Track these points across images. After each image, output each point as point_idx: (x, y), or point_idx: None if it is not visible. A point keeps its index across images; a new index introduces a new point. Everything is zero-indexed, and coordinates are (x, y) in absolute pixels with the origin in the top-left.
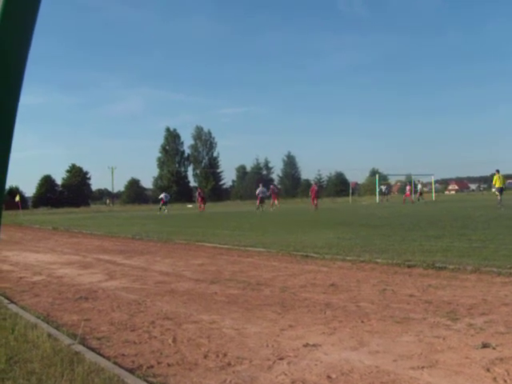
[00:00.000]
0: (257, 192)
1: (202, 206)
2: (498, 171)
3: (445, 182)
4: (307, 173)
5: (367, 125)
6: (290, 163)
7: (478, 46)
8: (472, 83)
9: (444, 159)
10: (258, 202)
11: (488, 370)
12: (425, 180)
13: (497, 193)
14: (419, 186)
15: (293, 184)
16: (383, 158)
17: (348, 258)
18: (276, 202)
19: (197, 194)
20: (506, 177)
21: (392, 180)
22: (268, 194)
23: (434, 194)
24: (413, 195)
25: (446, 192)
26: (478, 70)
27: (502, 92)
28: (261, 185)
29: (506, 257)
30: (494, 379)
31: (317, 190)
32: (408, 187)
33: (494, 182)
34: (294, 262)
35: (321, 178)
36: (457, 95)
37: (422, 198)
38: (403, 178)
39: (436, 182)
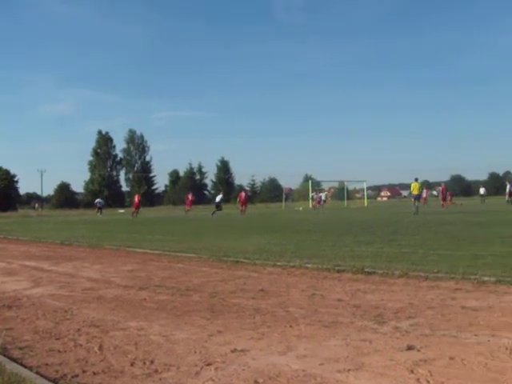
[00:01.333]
0: (217, 200)
1: (186, 208)
2: (416, 179)
3: (377, 189)
4: (241, 178)
5: (299, 129)
6: (224, 168)
7: (411, 52)
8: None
9: (377, 166)
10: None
11: (412, 372)
12: (358, 186)
13: (412, 199)
14: (322, 195)
15: (226, 189)
16: (317, 164)
17: (278, 263)
18: (243, 207)
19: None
20: (431, 185)
21: (325, 186)
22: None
23: (366, 200)
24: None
25: (379, 198)
26: (410, 74)
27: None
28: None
29: (434, 262)
30: (418, 380)
31: (245, 196)
32: (317, 195)
33: (411, 190)
34: (225, 267)
35: (254, 184)
36: (382, 95)
37: (321, 207)
38: (336, 185)
39: (368, 188)
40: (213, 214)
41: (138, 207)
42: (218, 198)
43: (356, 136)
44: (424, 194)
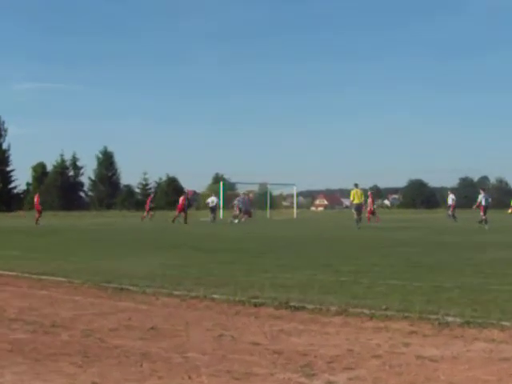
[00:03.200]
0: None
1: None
2: (356, 185)
3: (311, 195)
4: (129, 176)
5: (206, 114)
6: (106, 162)
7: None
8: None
9: (312, 166)
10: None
11: None
12: (285, 191)
13: (353, 211)
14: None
15: (110, 190)
16: (231, 161)
17: (176, 292)
18: (181, 213)
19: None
20: (381, 192)
21: (242, 189)
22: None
23: (295, 211)
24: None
25: (313, 208)
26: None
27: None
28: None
29: (382, 295)
30: None
31: (183, 200)
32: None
33: (351, 198)
34: (105, 296)
35: (147, 184)
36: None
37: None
38: (256, 188)
39: (300, 194)
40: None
41: (40, 212)
42: (214, 201)
43: (284, 124)
44: (370, 205)
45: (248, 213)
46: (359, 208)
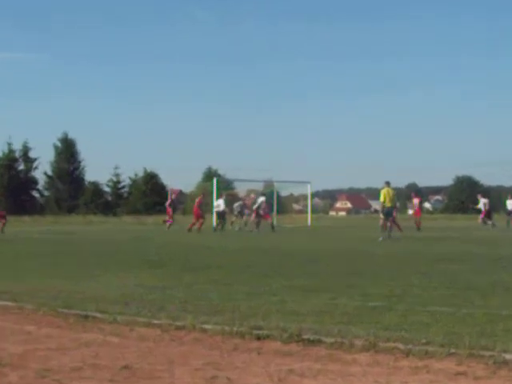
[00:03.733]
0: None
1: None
2: (387, 183)
3: (330, 197)
4: (96, 171)
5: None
6: (67, 153)
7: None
8: None
9: (330, 161)
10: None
11: None
12: (297, 191)
13: (381, 215)
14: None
15: (72, 189)
16: (226, 153)
17: (156, 321)
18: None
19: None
20: (422, 191)
21: (242, 189)
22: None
23: (310, 216)
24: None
25: (332, 212)
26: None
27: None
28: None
29: (422, 325)
30: None
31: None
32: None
33: (381, 200)
34: (65, 326)
35: (119, 181)
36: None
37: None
38: (260, 187)
39: (316, 194)
40: (219, 228)
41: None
42: (221, 205)
43: (295, 107)
44: (416, 207)
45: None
46: (390, 212)
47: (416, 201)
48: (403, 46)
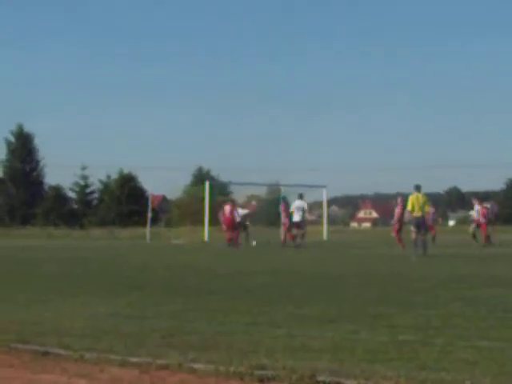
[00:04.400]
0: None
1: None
2: (417, 187)
3: (351, 203)
4: (59, 173)
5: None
6: (22, 149)
7: None
8: None
9: (350, 160)
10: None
11: None
12: (310, 197)
13: (412, 228)
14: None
15: (28, 195)
16: (221, 151)
17: (133, 359)
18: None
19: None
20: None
21: (240, 194)
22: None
23: (326, 228)
24: None
25: (354, 224)
26: None
27: None
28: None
29: (466, 363)
30: None
31: (230, 211)
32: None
33: (409, 208)
34: (19, 365)
35: (87, 185)
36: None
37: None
38: (263, 192)
39: (332, 201)
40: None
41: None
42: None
43: (306, 96)
44: (482, 216)
45: (240, 227)
46: (420, 223)
47: (479, 207)
48: None
